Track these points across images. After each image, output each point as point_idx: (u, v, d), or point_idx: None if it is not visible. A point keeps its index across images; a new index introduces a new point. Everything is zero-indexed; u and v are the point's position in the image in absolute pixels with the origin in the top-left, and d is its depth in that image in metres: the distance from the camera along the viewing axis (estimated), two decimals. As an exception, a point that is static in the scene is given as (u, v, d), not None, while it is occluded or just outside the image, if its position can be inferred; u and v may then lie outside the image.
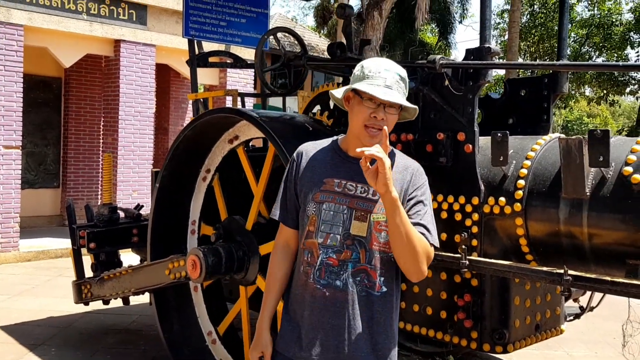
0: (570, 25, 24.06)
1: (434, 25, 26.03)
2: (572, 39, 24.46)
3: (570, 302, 3.62)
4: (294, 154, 1.98)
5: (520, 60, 23.81)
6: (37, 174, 10.23)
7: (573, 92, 24.74)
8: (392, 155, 1.92)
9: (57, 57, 8.50)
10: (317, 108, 3.72)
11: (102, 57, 9.36)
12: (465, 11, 24.14)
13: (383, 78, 1.82)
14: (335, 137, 2.01)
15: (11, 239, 8.04)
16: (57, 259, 8.16)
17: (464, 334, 3.01)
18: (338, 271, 1.82)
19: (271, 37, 4.17)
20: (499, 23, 26.57)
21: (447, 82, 2.97)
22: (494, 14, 27.34)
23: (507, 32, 20.92)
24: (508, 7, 22.14)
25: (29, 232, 9.10)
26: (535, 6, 23.91)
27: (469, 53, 3.00)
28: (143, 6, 9.03)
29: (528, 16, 24.26)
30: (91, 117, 10.36)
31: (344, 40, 3.57)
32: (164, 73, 10.97)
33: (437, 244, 1.90)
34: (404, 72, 1.90)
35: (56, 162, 10.38)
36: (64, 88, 10.30)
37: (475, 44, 3.09)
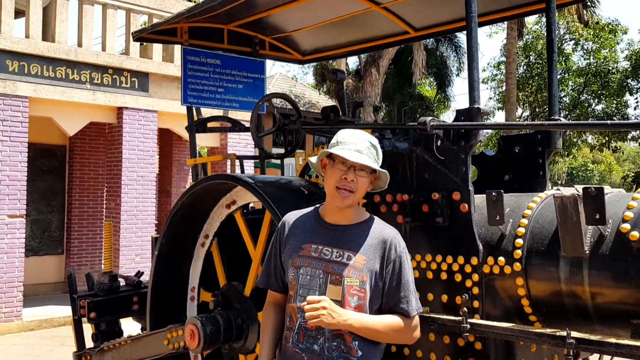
0: (567, 74, 24.47)
1: (432, 79, 26.50)
2: (570, 87, 24.79)
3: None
4: (279, 224, 2.09)
5: (519, 111, 24.10)
6: (42, 241, 10.24)
7: (575, 140, 24.87)
8: (370, 221, 2.03)
9: (62, 126, 8.67)
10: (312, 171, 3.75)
11: (106, 124, 9.53)
12: (462, 64, 24.62)
13: (354, 143, 1.95)
14: (317, 205, 2.11)
15: (14, 309, 7.97)
16: (60, 327, 8.06)
17: (471, 400, 2.91)
18: (315, 335, 1.88)
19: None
20: (495, 75, 27.04)
21: (438, 143, 2.99)
22: (490, 66, 27.86)
23: (504, 84, 21.26)
24: (504, 58, 22.58)
25: (32, 300, 9.03)
26: (532, 57, 24.38)
27: (460, 114, 3.03)
28: (145, 74, 9.26)
29: (525, 67, 24.70)
30: (95, 183, 10.46)
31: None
32: (166, 137, 11.14)
33: (419, 310, 2.02)
34: (375, 141, 2.04)
35: (60, 228, 10.41)
36: (68, 155, 10.45)
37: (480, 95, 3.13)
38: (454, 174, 3.05)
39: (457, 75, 25.31)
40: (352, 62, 25.27)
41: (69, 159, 10.45)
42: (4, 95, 7.92)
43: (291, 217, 2.09)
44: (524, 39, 22.07)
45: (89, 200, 10.43)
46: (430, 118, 2.94)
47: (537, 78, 24.11)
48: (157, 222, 9.74)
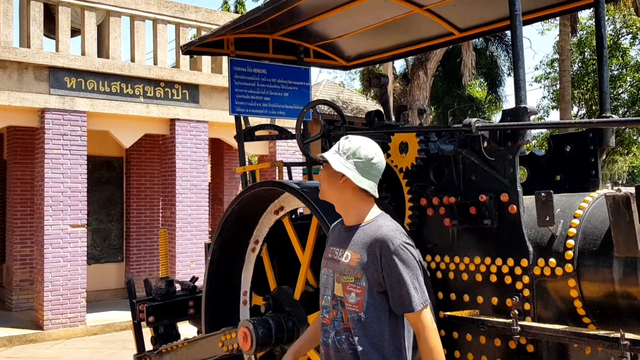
0: (625, 69, 23.54)
1: (482, 80, 26.01)
2: (628, 83, 23.83)
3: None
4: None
5: (574, 109, 23.35)
6: (102, 249, 10.66)
7: (635, 138, 23.88)
8: (375, 221, 2.10)
9: (118, 138, 9.01)
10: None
11: (159, 135, 9.84)
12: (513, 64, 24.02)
13: (341, 145, 2.19)
14: None
15: (78, 314, 8.32)
16: (122, 332, 8.36)
17: (524, 403, 2.86)
18: (329, 330, 2.01)
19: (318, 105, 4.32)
20: (549, 73, 26.30)
21: (485, 145, 2.97)
22: (543, 64, 27.12)
23: (557, 82, 20.68)
24: (557, 56, 21.95)
25: (95, 306, 9.40)
26: (586, 53, 23.61)
27: (506, 114, 3.00)
28: (195, 86, 9.52)
29: (579, 64, 23.94)
30: (151, 193, 10.81)
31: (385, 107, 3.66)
32: (217, 146, 11.40)
33: (424, 303, 1.99)
34: (364, 152, 2.11)
35: (120, 237, 10.81)
36: (125, 166, 10.85)
37: (527, 95, 3.09)
38: (502, 175, 3.02)
39: (509, 74, 24.75)
40: (399, 65, 25.12)
41: (126, 170, 10.85)
42: (63, 111, 8.31)
43: (334, 224, 2.29)
44: (578, 34, 21.38)
45: (146, 209, 10.79)
46: (475, 119, 2.93)
47: (592, 75, 23.32)
48: (210, 229, 9.98)
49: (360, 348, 1.95)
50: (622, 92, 23.51)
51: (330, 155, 2.10)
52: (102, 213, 10.63)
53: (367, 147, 2.13)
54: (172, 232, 9.28)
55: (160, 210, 10.49)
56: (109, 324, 8.53)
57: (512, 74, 24.99)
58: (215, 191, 11.89)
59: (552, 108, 26.02)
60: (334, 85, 22.88)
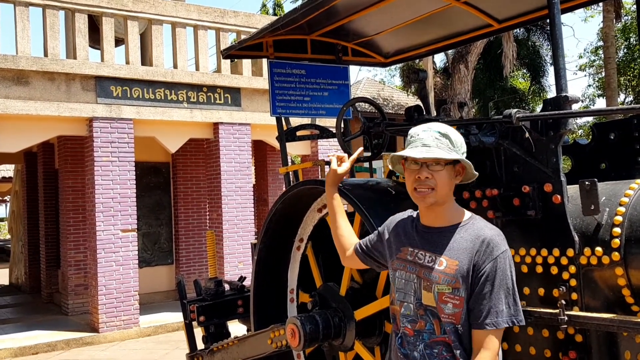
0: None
1: (524, 71, 25.49)
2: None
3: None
4: (384, 225, 2.12)
5: (621, 97, 22.60)
6: (153, 253, 10.97)
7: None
8: (469, 222, 1.91)
9: (164, 144, 9.27)
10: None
11: (204, 139, 10.07)
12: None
13: (421, 139, 1.86)
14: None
15: (132, 316, 8.60)
16: (174, 332, 8.59)
17: (575, 394, 2.84)
18: (414, 342, 1.81)
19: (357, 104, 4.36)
20: (594, 60, 25.55)
21: (526, 135, 2.95)
22: (587, 52, 26.36)
23: (603, 69, 20.08)
24: (602, 43, 21.32)
25: (147, 308, 9.68)
26: (632, 39, 22.83)
27: (547, 104, 2.98)
28: (237, 89, 9.70)
29: (625, 50, 23.17)
30: (197, 196, 11.06)
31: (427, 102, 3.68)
32: (260, 148, 11.57)
33: (521, 320, 1.80)
34: (446, 128, 1.91)
35: (169, 240, 11.11)
36: (172, 171, 11.13)
37: (571, 84, 3.07)
38: (545, 165, 3.00)
39: (552, 64, 24.15)
40: (440, 60, 24.91)
41: (172, 174, 11.14)
42: (110, 119, 8.60)
43: (394, 219, 2.07)
44: (622, 20, 20.70)
45: (193, 213, 11.04)
46: (515, 110, 2.92)
47: (638, 61, 22.55)
48: (256, 229, 10.15)
49: None
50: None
51: (457, 155, 1.87)
52: (151, 217, 10.94)
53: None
54: (220, 234, 9.48)
55: (207, 213, 10.72)
56: (161, 325, 8.78)
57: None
58: (260, 192, 12.07)
59: (598, 96, 25.28)
60: (374, 82, 22.83)
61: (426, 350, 1.79)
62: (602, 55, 20.31)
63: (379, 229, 2.10)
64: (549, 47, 23.24)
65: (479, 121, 3.26)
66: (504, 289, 1.77)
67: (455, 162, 1.88)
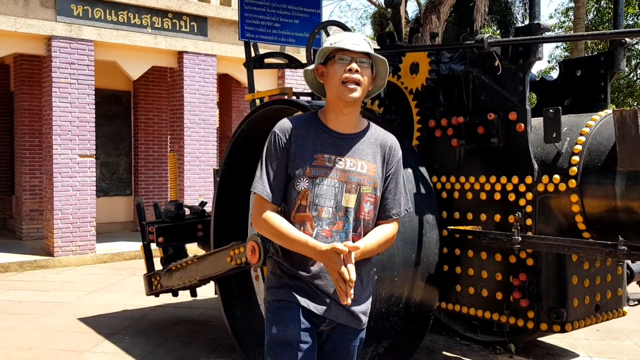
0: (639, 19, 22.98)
1: (495, 28, 25.49)
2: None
3: (635, 286, 3.51)
4: (277, 131, 1.98)
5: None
6: (111, 183, 10.79)
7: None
8: (372, 128, 2.04)
9: (125, 70, 8.97)
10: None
11: (167, 69, 9.78)
12: (527, 11, 23.45)
13: (349, 38, 1.95)
14: (313, 111, 2.07)
15: (88, 242, 8.51)
16: (131, 261, 8.56)
17: (521, 314, 2.99)
18: (331, 241, 1.89)
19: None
20: (564, 22, 25.74)
21: (497, 62, 2.97)
22: (558, 12, 26.51)
23: (572, 30, 20.24)
24: (572, 4, 21.42)
25: (105, 237, 9.59)
26: (602, 2, 23.02)
27: (519, 31, 3.00)
28: (204, 18, 9.39)
29: (595, 12, 23.38)
30: (159, 128, 10.84)
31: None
32: (225, 83, 11.34)
33: (410, 208, 2.09)
34: (368, 39, 2.02)
35: (128, 171, 10.91)
36: (133, 101, 10.84)
37: (541, 11, 3.07)
38: (511, 94, 3.05)
39: (522, 22, 24.22)
40: (412, 10, 24.60)
41: (133, 104, 10.84)
42: (70, 39, 8.23)
43: (288, 124, 2.00)
44: (595, -19, 20.80)
45: (154, 144, 10.83)
46: (488, 35, 2.93)
47: (607, 24, 22.79)
48: (218, 166, 10.06)
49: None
50: (635, 43, 23.02)
51: (370, 48, 1.94)
52: (110, 147, 10.69)
53: None
54: (181, 166, 9.36)
55: (168, 145, 10.54)
56: (118, 253, 8.72)
57: (525, 22, 24.43)
58: (223, 130, 11.90)
59: (565, 57, 25.61)
60: (343, 28, 22.46)
61: None
62: (572, 17, 20.43)
63: (277, 132, 1.98)
64: (521, 4, 23.27)
65: (451, 46, 3.27)
66: (401, 184, 2.04)
67: (372, 68, 1.97)
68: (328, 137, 1.97)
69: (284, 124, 2.01)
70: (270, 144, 1.99)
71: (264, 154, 2.00)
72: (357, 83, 1.89)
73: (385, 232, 2.00)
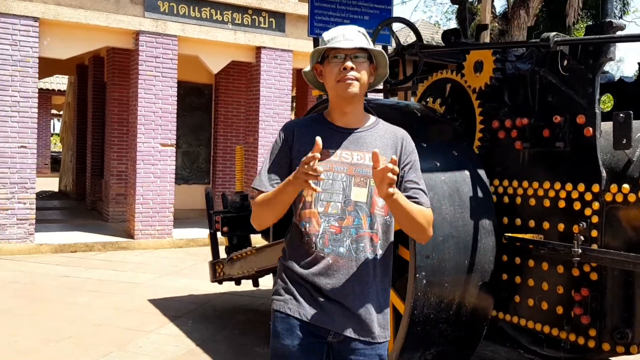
0: None
1: (590, 23, 24.12)
2: None
3: None
4: (282, 130, 1.98)
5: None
6: (191, 171, 11.23)
7: None
8: (379, 123, 1.98)
9: (206, 63, 9.28)
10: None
11: (246, 64, 10.02)
12: (626, 5, 21.99)
13: (342, 34, 1.88)
14: (319, 112, 2.04)
15: (166, 227, 8.91)
16: (205, 247, 8.85)
17: (582, 331, 2.81)
18: (341, 238, 1.84)
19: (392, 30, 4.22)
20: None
21: (565, 61, 2.80)
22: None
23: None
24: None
25: (182, 223, 9.99)
26: None
27: (589, 30, 2.81)
28: (282, 14, 9.53)
29: None
30: (237, 120, 11.14)
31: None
32: (302, 78, 11.46)
33: (429, 204, 1.93)
34: (363, 30, 1.94)
35: (207, 160, 11.31)
36: (214, 94, 11.19)
37: (614, 8, 2.88)
38: (580, 95, 2.86)
39: (620, 17, 22.72)
40: (500, 5, 23.75)
41: (215, 97, 11.20)
42: (156, 34, 8.62)
43: (293, 123, 2.00)
44: None
45: (232, 136, 11.15)
46: (554, 33, 2.76)
47: None
48: (291, 158, 10.18)
49: (382, 252, 1.89)
50: None
51: (363, 43, 1.87)
52: (192, 137, 11.12)
53: None
54: (254, 158, 9.57)
55: (244, 138, 10.82)
56: (193, 239, 9.06)
57: (624, 17, 22.92)
58: (299, 123, 12.05)
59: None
60: (428, 25, 22.06)
61: (352, 245, 1.85)
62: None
63: (282, 133, 1.96)
64: (620, -2, 21.81)
65: (515, 44, 3.11)
66: (421, 176, 1.94)
67: (370, 61, 1.90)
68: (334, 132, 1.92)
69: (289, 123, 2.02)
70: (274, 143, 2.00)
71: (270, 152, 2.00)
72: (356, 78, 1.85)
73: (422, 208, 1.86)
